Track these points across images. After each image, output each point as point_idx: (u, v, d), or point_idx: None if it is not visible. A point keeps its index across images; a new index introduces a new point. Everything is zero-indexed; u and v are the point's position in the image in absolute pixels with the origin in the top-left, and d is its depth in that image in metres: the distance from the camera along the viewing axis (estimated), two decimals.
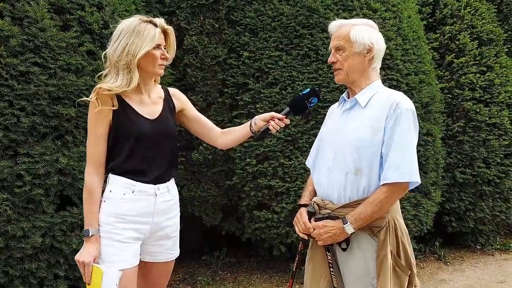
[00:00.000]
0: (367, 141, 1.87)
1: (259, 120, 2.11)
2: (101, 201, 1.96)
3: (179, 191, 2.19)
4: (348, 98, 2.05)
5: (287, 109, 2.09)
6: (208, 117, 3.95)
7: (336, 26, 2.02)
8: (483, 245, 5.13)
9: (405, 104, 1.89)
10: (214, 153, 4.03)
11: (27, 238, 2.85)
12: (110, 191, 1.97)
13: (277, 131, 2.08)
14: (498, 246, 5.15)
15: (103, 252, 1.91)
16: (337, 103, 2.15)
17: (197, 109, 2.25)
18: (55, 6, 2.98)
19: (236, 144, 2.28)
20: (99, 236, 1.92)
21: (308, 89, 2.08)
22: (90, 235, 1.89)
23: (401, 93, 1.96)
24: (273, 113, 2.10)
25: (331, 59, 2.00)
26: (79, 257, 1.89)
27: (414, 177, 1.85)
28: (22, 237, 2.85)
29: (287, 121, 2.10)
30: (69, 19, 3.01)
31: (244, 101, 3.95)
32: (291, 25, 3.89)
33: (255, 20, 3.98)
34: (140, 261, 2.04)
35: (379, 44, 1.97)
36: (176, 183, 2.17)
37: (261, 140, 2.13)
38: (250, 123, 2.14)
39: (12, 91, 2.80)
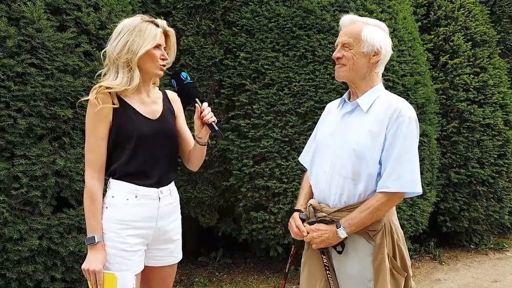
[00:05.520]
0: (367, 147, 1.86)
1: (198, 132, 1.99)
2: (102, 207, 1.90)
3: None
4: (349, 99, 2.03)
5: (193, 101, 1.98)
6: None
7: (348, 20, 1.97)
8: (477, 245, 5.17)
9: (408, 112, 1.88)
10: (211, 154, 4.03)
11: (24, 241, 2.83)
12: (112, 196, 1.91)
13: (219, 121, 1.95)
14: (492, 246, 5.19)
15: (108, 261, 1.86)
16: (336, 101, 2.13)
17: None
18: (51, 6, 2.96)
19: (200, 161, 2.10)
20: (104, 242, 1.87)
21: (173, 81, 2.00)
22: (95, 242, 1.84)
23: (403, 100, 1.95)
24: (195, 117, 1.97)
25: (336, 54, 1.95)
26: (88, 265, 1.82)
27: (416, 187, 1.85)
28: (19, 240, 2.83)
29: (204, 106, 1.95)
30: (65, 19, 2.99)
31: (241, 102, 3.96)
32: (287, 26, 3.90)
33: (251, 21, 3.98)
34: (144, 266, 1.99)
35: (387, 49, 1.94)
36: None
37: (220, 135, 2.04)
38: (195, 139, 2.02)
39: (9, 92, 2.78)
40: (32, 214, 2.87)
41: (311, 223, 1.93)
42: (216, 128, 1.95)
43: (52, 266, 2.95)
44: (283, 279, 2.20)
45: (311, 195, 2.08)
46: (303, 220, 1.97)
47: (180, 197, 2.13)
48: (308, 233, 1.92)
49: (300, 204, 2.08)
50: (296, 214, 2.00)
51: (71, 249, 2.92)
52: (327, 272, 1.96)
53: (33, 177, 2.83)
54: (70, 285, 3.07)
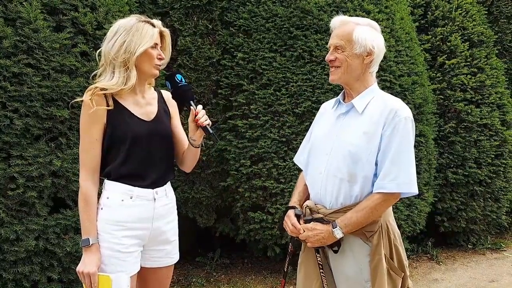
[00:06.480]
0: (363, 148, 1.85)
1: (192, 134, 1.98)
2: (97, 208, 1.90)
3: None
4: (344, 100, 2.01)
5: (187, 103, 1.97)
6: None
7: (339, 22, 1.96)
8: (475, 245, 5.18)
9: (404, 112, 1.87)
10: (208, 155, 4.03)
11: (21, 241, 2.83)
12: (107, 198, 1.91)
13: (213, 124, 1.94)
14: (489, 246, 5.20)
15: (103, 262, 1.86)
16: (331, 101, 2.11)
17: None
18: (48, 7, 2.96)
19: (193, 163, 2.11)
20: (99, 244, 1.86)
21: (167, 83, 1.99)
22: (90, 244, 1.83)
23: (399, 100, 1.94)
24: (189, 119, 1.95)
25: (329, 57, 1.93)
26: (82, 268, 1.81)
27: (412, 188, 1.85)
28: (16, 240, 2.82)
29: (198, 109, 1.93)
30: (62, 20, 2.99)
31: (238, 102, 3.95)
32: (285, 26, 3.90)
33: (249, 21, 3.98)
34: (141, 267, 1.99)
35: (380, 48, 1.92)
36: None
37: (214, 139, 2.03)
38: (189, 141, 2.02)
39: (5, 92, 2.77)
40: (29, 214, 2.87)
41: (307, 221, 1.92)
42: (211, 131, 1.93)
43: (48, 266, 2.95)
44: (282, 279, 2.19)
45: (305, 193, 2.08)
46: (298, 216, 1.96)
47: (177, 198, 2.13)
48: (304, 231, 1.91)
49: (293, 201, 2.08)
50: (290, 212, 1.99)
51: (67, 249, 2.92)
52: (321, 270, 1.95)
53: (29, 178, 2.82)
54: (67, 286, 3.07)
